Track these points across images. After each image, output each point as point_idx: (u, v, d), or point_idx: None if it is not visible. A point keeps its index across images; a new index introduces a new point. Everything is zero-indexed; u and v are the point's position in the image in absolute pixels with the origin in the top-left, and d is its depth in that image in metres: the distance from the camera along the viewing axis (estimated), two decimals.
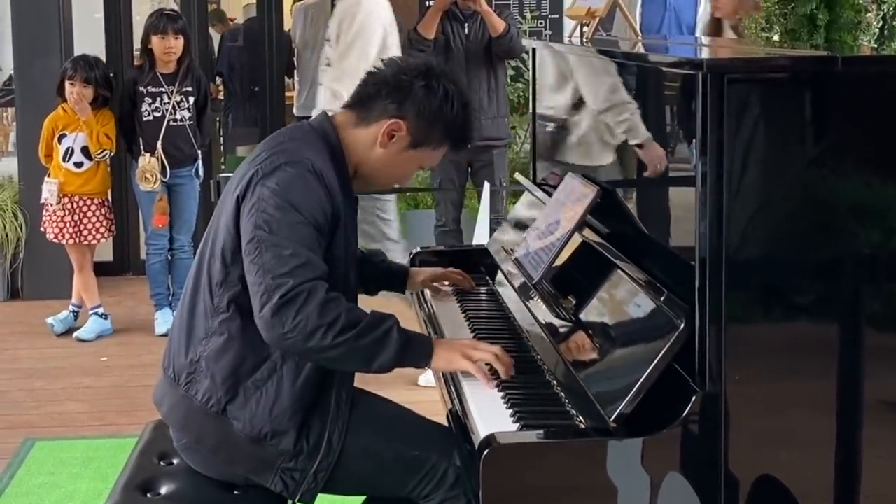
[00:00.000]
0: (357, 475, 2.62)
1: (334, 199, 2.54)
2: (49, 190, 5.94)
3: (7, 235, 6.63)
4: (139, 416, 4.34)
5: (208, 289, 2.58)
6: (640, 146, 2.69)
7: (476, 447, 2.22)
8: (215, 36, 9.02)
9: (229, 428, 2.54)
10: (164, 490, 2.64)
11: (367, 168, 2.68)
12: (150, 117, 5.95)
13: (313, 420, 2.55)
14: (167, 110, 5.93)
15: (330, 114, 2.71)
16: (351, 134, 2.66)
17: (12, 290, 6.84)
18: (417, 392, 4.72)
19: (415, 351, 2.53)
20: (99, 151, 5.89)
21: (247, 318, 2.52)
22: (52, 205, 5.94)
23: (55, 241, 6.02)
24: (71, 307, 6.20)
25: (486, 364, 2.57)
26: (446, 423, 2.64)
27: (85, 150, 5.91)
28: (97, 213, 5.99)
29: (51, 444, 4.57)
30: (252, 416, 2.53)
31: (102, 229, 6.03)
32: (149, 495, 2.64)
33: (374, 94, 2.65)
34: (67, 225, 5.95)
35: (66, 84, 5.84)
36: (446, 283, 3.29)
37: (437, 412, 2.76)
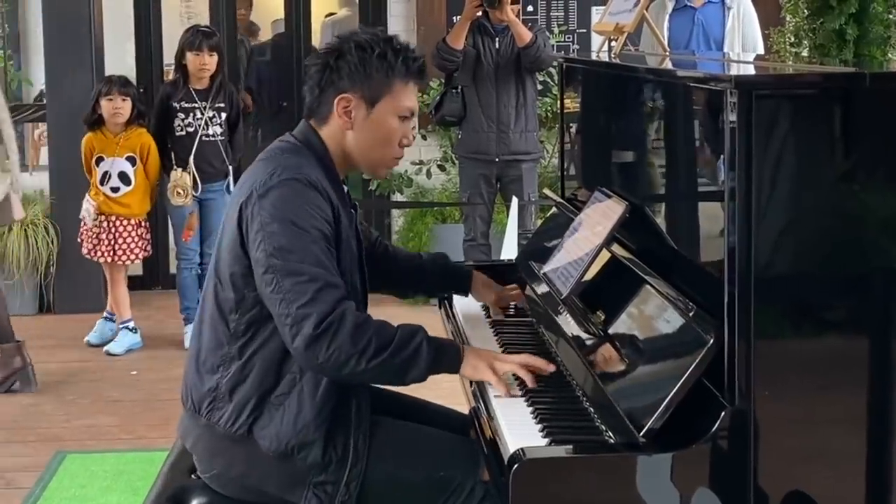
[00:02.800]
0: (384, 502, 2.63)
1: (333, 206, 2.55)
2: (86, 209, 5.97)
3: (39, 250, 6.68)
4: (169, 429, 4.35)
5: (221, 317, 2.60)
6: None
7: (506, 462, 2.23)
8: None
9: (257, 449, 2.56)
10: (195, 502, 2.66)
11: (356, 154, 2.68)
12: (183, 132, 6.00)
13: (337, 430, 2.57)
14: (200, 126, 5.98)
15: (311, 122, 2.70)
16: (325, 136, 2.66)
17: (44, 304, 6.89)
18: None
19: (445, 361, 2.59)
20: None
21: (265, 338, 2.56)
22: (87, 222, 5.99)
23: (88, 256, 6.06)
24: (105, 314, 6.24)
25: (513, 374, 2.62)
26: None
27: (122, 176, 5.93)
28: (133, 233, 6.00)
29: (82, 457, 4.60)
30: (278, 432, 2.54)
31: (137, 249, 6.04)
32: None
33: (313, 95, 2.67)
34: (102, 243, 5.98)
35: (103, 101, 5.87)
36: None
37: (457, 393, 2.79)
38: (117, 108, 5.86)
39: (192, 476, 2.75)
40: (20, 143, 9.98)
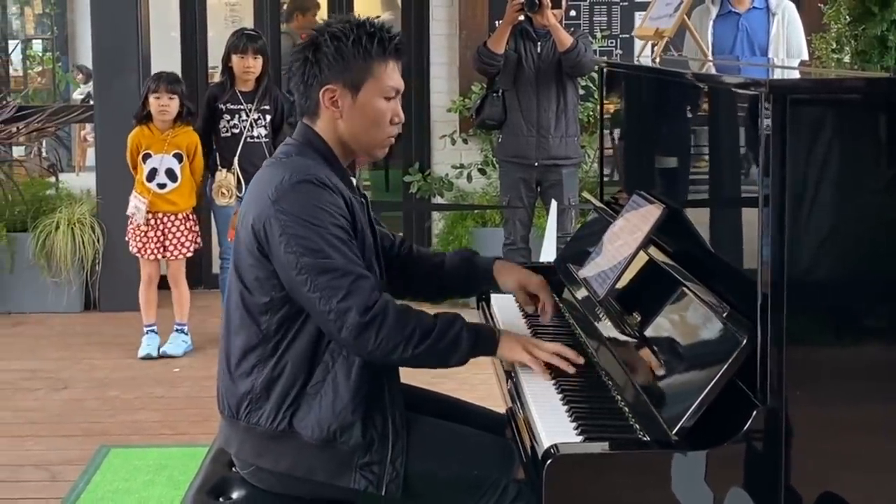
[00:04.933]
0: (419, 499, 2.67)
1: (346, 200, 2.62)
2: (136, 206, 6.00)
3: (85, 248, 6.78)
4: (211, 425, 4.40)
5: (251, 320, 2.65)
6: None
7: (540, 457, 2.27)
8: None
9: (300, 440, 2.61)
10: (235, 495, 2.71)
11: (350, 141, 2.73)
12: (228, 134, 6.08)
13: (374, 411, 2.63)
14: (245, 127, 6.05)
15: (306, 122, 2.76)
16: (321, 130, 2.72)
17: (89, 302, 6.99)
18: (476, 370, 4.62)
19: (483, 344, 2.68)
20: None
21: (295, 333, 2.62)
22: (136, 220, 6.02)
23: (138, 255, 6.09)
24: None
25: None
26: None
27: (169, 172, 5.99)
28: (181, 227, 6.05)
29: (125, 451, 4.68)
30: (318, 419, 2.60)
31: (188, 243, 6.08)
32: (221, 499, 2.71)
33: (300, 92, 2.73)
34: (150, 241, 6.02)
35: (151, 98, 5.93)
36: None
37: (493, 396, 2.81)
38: (164, 105, 5.92)
39: (233, 469, 2.80)
40: (67, 143, 10.16)
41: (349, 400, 2.60)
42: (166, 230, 6.04)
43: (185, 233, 6.08)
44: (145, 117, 6.01)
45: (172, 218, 6.05)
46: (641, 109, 3.36)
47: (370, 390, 2.63)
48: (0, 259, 6.83)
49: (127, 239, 6.16)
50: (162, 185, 6.01)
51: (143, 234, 6.03)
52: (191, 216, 6.14)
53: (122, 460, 4.57)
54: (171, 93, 5.94)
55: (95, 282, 6.91)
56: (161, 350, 6.06)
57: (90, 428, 5.00)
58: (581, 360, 2.72)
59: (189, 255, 6.19)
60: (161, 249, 6.05)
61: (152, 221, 6.02)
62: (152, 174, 6.01)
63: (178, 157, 6.01)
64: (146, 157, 6.02)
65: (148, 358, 6.00)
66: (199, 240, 6.20)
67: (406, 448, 2.63)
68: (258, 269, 2.62)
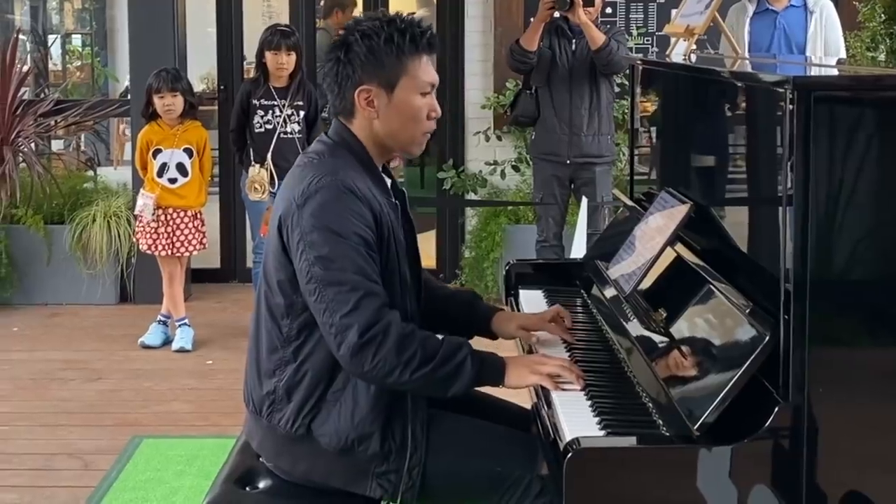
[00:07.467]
0: (442, 495, 2.67)
1: (373, 208, 2.57)
2: (144, 203, 6.03)
3: (120, 241, 6.84)
4: (242, 417, 4.45)
5: (273, 321, 2.65)
6: None
7: (561, 451, 2.28)
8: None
9: (318, 446, 2.62)
10: (262, 485, 2.73)
11: (387, 139, 2.69)
12: (262, 129, 6.11)
13: (394, 420, 2.62)
14: (278, 123, 6.08)
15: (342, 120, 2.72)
16: (356, 130, 2.69)
17: (124, 295, 7.05)
18: None
19: (487, 374, 2.61)
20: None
21: (317, 340, 2.60)
22: (145, 217, 6.06)
23: (148, 252, 6.13)
24: (160, 317, 6.26)
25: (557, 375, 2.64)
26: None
27: (180, 167, 6.03)
28: (190, 225, 6.08)
29: (157, 441, 4.73)
30: (337, 428, 2.60)
31: (195, 241, 6.11)
32: (248, 489, 2.73)
33: (334, 94, 2.69)
34: (161, 237, 6.05)
35: (155, 98, 5.97)
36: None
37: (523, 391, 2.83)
38: (168, 105, 5.97)
39: (260, 459, 2.82)
40: (105, 138, 10.26)
41: (368, 411, 2.59)
42: (175, 227, 6.06)
43: (193, 231, 6.11)
44: (153, 114, 6.04)
45: (182, 214, 6.07)
46: (670, 107, 3.36)
47: (392, 400, 2.61)
48: (37, 251, 6.90)
49: (136, 238, 6.20)
50: (173, 180, 6.03)
51: (153, 230, 6.05)
52: (199, 215, 6.15)
53: (153, 450, 4.62)
54: (174, 91, 5.98)
55: (130, 274, 6.98)
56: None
57: (123, 418, 5.05)
58: (581, 384, 2.62)
59: (195, 253, 6.21)
60: (170, 246, 6.07)
61: (162, 217, 6.04)
62: (163, 169, 6.03)
63: (189, 153, 6.05)
64: (156, 152, 6.04)
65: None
66: (204, 241, 6.21)
67: (424, 458, 2.62)
68: (281, 272, 2.61)
